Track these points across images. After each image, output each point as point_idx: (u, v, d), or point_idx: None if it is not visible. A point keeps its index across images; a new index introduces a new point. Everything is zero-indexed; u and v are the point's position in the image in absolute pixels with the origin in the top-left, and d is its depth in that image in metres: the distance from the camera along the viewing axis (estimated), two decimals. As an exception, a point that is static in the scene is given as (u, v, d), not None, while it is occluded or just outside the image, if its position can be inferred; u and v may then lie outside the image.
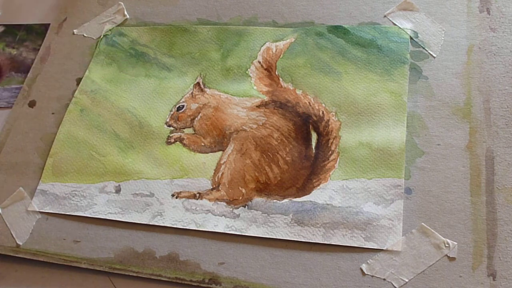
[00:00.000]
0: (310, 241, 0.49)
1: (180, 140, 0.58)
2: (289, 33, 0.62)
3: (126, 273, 0.51)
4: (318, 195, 0.51)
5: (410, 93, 0.55)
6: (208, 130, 0.58)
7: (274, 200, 0.52)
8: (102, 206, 0.55)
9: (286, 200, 0.52)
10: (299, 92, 0.58)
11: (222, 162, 0.55)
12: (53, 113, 0.63)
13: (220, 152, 0.56)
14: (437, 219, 0.48)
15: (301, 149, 0.54)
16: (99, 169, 0.57)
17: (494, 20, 0.57)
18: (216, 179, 0.54)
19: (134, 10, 0.70)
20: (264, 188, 0.53)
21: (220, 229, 0.51)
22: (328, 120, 0.55)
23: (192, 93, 0.60)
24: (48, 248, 0.54)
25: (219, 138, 0.57)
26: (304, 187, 0.52)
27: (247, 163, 0.54)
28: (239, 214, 0.52)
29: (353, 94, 0.56)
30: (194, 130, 0.58)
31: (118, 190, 0.56)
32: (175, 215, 0.53)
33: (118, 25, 0.69)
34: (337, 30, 0.60)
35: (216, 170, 0.55)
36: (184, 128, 0.58)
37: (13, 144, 0.62)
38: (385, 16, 0.61)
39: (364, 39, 0.59)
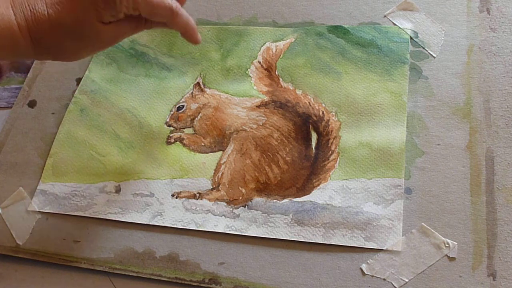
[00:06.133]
0: (310, 241, 0.49)
1: (180, 140, 0.58)
2: (289, 33, 0.62)
3: (126, 273, 0.51)
4: (318, 195, 0.51)
5: (410, 93, 0.55)
6: (208, 130, 0.58)
7: (274, 200, 0.52)
8: (102, 206, 0.55)
9: (286, 200, 0.52)
10: (299, 92, 0.58)
11: (222, 162, 0.55)
12: (53, 113, 0.63)
13: (220, 152, 0.56)
14: (437, 219, 0.48)
15: (301, 149, 0.54)
16: (99, 169, 0.57)
17: (494, 20, 0.57)
18: (216, 179, 0.54)
19: (134, 10, 0.69)
20: (264, 188, 0.53)
21: (220, 229, 0.51)
22: (328, 120, 0.55)
23: (192, 93, 0.60)
24: (48, 248, 0.54)
25: (219, 138, 0.57)
26: (304, 187, 0.52)
27: (247, 163, 0.54)
28: (239, 214, 0.52)
29: (353, 94, 0.56)
30: (194, 130, 0.58)
31: (118, 190, 0.56)
32: (175, 215, 0.53)
33: (118, 25, 0.69)
34: (337, 30, 0.60)
35: (216, 170, 0.55)
36: (184, 128, 0.58)
37: (13, 144, 0.62)
38: (385, 16, 0.61)
39: (364, 39, 0.59)
